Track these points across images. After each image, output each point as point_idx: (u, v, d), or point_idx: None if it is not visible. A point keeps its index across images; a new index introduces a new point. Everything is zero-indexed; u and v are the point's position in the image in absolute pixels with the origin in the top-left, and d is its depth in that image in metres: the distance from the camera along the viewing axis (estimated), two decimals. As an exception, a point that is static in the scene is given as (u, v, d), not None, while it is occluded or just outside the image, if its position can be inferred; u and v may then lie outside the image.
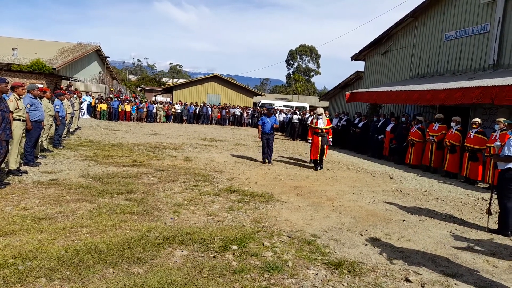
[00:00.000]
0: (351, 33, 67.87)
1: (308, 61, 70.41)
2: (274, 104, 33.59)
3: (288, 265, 3.68)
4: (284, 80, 74.25)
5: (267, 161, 10.06)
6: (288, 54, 70.60)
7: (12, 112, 6.15)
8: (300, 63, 70.42)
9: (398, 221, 5.59)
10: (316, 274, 3.57)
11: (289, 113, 24.65)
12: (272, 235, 4.57)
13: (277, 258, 3.85)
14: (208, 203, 5.77)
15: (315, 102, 37.71)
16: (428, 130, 10.96)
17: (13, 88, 6.33)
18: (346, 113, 16.79)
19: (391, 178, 9.26)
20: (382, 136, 12.98)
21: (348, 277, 3.55)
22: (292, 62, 70.67)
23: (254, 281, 3.34)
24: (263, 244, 4.22)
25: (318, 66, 70.34)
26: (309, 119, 16.71)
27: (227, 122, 27.56)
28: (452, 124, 9.94)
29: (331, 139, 9.96)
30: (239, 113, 27.80)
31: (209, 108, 27.01)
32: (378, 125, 13.34)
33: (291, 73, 69.33)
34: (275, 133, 10.88)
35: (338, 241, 4.53)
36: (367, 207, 6.26)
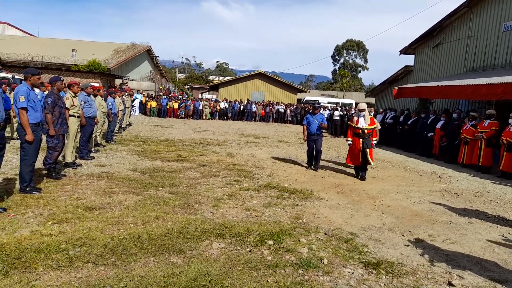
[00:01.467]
0: (400, 26, 64.94)
1: (355, 56, 68.57)
2: (318, 100, 33.08)
3: (323, 263, 3.65)
4: (330, 76, 72.93)
5: (312, 167, 8.76)
6: (335, 49, 69.20)
7: (68, 109, 6.63)
8: (347, 58, 68.76)
9: (444, 222, 5.31)
10: (352, 273, 3.50)
11: (332, 109, 24.20)
12: (309, 232, 4.54)
13: (313, 255, 3.83)
14: (247, 198, 5.85)
15: (362, 98, 36.66)
16: (478, 126, 10.27)
17: (69, 87, 6.82)
18: (394, 109, 16.15)
19: (440, 177, 8.80)
20: (431, 133, 12.35)
21: (385, 277, 3.45)
22: (338, 58, 69.20)
23: (288, 276, 3.35)
24: (299, 241, 4.21)
25: (366, 61, 68.27)
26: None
27: (271, 119, 27.62)
28: (510, 121, 9.22)
29: (375, 142, 8.23)
30: (283, 110, 27.75)
31: (253, 105, 27.22)
32: (428, 122, 12.70)
33: (337, 69, 67.88)
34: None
35: (378, 241, 4.41)
36: (412, 207, 6.01)
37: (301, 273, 3.42)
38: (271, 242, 4.09)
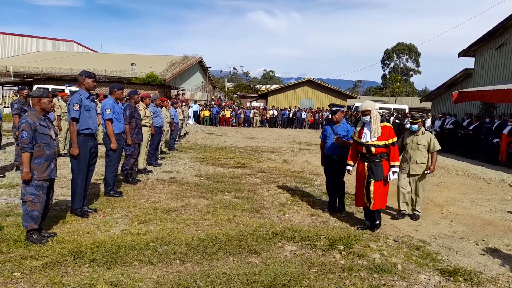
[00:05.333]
0: (456, 28, 61.67)
1: (407, 60, 66.08)
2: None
3: (397, 268, 3.69)
4: (379, 81, 70.92)
5: (328, 210, 5.59)
6: (384, 53, 67.21)
7: (141, 119, 7.18)
8: (398, 62, 66.48)
9: (521, 232, 5.08)
10: (429, 279, 3.51)
11: (386, 115, 23.51)
12: (378, 238, 4.58)
13: (385, 261, 3.87)
14: (310, 204, 5.98)
15: (416, 103, 35.35)
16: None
17: (142, 99, 7.40)
18: (454, 115, 15.46)
19: (510, 186, 8.33)
20: (497, 139, 11.67)
21: (464, 285, 3.42)
22: (388, 62, 67.09)
23: (364, 280, 3.44)
24: (369, 246, 4.27)
25: (418, 65, 65.55)
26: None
27: (320, 126, 27.45)
28: None
29: (395, 170, 4.77)
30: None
31: (303, 112, 27.28)
32: (493, 127, 12.03)
33: (387, 73, 65.83)
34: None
35: (451, 249, 4.34)
36: (483, 216, 5.79)
37: (376, 277, 3.49)
38: (342, 247, 4.19)
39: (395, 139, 4.77)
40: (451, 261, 3.97)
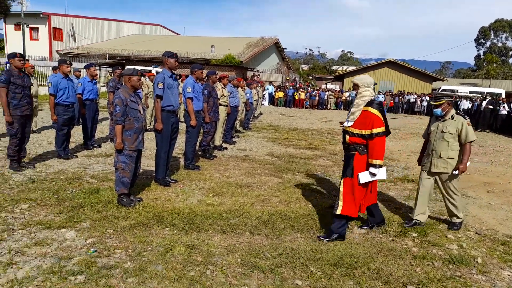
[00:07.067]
0: None
1: (506, 39, 58.59)
2: (457, 90, 29.42)
3: (477, 261, 3.46)
4: (472, 62, 64.12)
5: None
6: (479, 31, 60.36)
7: (219, 99, 7.51)
8: (495, 41, 59.26)
9: None
10: (513, 276, 3.23)
11: (477, 100, 21.28)
12: (457, 229, 4.29)
13: (464, 253, 3.64)
14: (384, 190, 5.78)
15: (515, 88, 31.46)
16: None
17: (220, 79, 7.71)
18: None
19: None
20: None
21: (557, 287, 3.09)
22: (483, 41, 60.18)
23: (437, 269, 3.29)
24: (446, 236, 4.05)
25: (521, 43, 57.73)
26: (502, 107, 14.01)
27: (400, 110, 25.89)
28: None
29: (374, 171, 3.62)
30: (413, 100, 25.71)
31: (381, 95, 25.90)
32: None
33: (482, 53, 59.14)
34: None
35: (544, 248, 3.91)
36: None
37: (451, 268, 3.32)
38: (415, 234, 4.03)
39: (379, 129, 3.59)
40: (542, 261, 3.59)
